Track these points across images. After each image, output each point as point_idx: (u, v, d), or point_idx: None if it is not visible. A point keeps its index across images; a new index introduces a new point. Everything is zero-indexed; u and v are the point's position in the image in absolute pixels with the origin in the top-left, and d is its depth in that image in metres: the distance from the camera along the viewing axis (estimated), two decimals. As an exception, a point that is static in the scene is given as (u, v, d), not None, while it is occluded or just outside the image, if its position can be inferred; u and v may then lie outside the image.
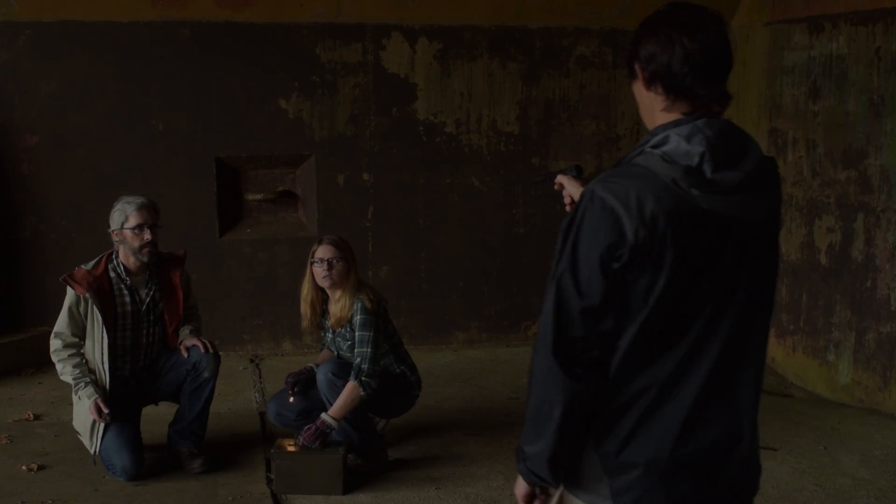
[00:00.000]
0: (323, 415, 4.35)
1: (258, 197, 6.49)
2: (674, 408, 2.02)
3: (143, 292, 4.55)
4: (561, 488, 2.14)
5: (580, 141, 6.69)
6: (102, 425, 4.36)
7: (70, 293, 4.42)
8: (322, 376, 4.43)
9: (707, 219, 1.95)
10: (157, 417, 4.81)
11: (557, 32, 6.58)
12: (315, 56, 6.35)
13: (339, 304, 4.47)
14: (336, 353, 4.65)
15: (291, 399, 4.57)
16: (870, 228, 5.39)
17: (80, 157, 6.17)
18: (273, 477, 4.36)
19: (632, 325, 1.97)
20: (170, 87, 6.22)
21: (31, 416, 5.24)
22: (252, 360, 6.40)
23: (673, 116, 2.02)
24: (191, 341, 4.58)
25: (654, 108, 2.05)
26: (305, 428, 4.35)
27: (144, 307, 4.55)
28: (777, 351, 6.29)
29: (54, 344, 4.45)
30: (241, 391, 5.75)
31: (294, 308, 6.48)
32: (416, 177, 6.53)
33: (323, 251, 4.49)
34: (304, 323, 4.68)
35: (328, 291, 4.55)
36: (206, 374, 4.53)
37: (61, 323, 4.45)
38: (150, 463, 4.50)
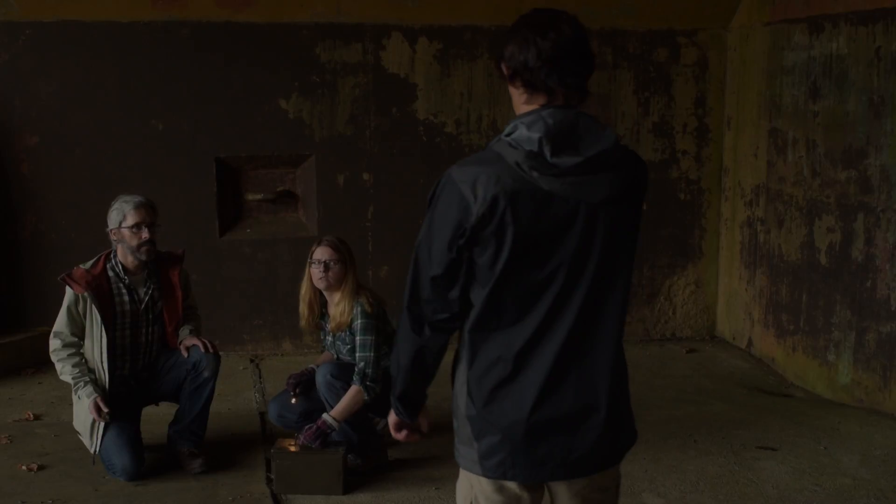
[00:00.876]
0: (324, 415, 4.36)
1: (258, 197, 6.49)
2: (529, 376, 2.23)
3: (141, 291, 4.55)
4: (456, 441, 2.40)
5: (580, 141, 6.68)
6: (102, 425, 4.36)
7: (69, 293, 4.42)
8: (321, 378, 4.43)
9: (548, 198, 2.17)
10: (157, 417, 4.81)
11: (557, 32, 6.57)
12: (315, 56, 6.35)
13: (338, 308, 4.46)
14: (336, 355, 4.65)
15: (294, 401, 4.57)
16: (870, 228, 5.39)
17: (80, 157, 6.17)
18: (273, 477, 4.36)
19: (482, 294, 2.23)
20: (170, 87, 6.22)
21: (31, 416, 5.24)
22: (252, 360, 6.40)
23: (531, 108, 2.26)
24: (191, 341, 4.58)
25: (518, 101, 2.30)
26: (306, 427, 4.36)
27: (143, 306, 4.55)
28: (777, 351, 6.29)
29: (53, 344, 4.45)
30: (241, 391, 5.75)
31: (294, 308, 6.48)
32: (416, 177, 6.53)
33: (321, 252, 4.48)
34: (303, 322, 4.68)
35: (325, 294, 4.55)
36: (206, 374, 4.53)
37: (60, 322, 4.45)
38: (150, 463, 4.50)
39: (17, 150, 6.12)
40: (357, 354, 4.40)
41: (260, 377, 6.05)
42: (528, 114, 2.23)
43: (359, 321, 4.40)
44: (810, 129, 5.84)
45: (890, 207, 5.25)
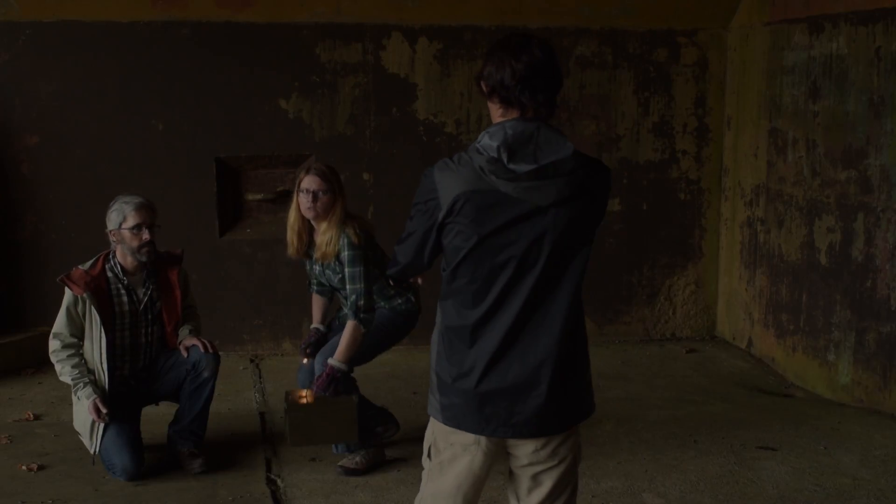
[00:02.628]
0: (330, 360, 4.29)
1: (258, 197, 6.49)
2: (482, 348, 2.61)
3: (140, 292, 4.55)
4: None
5: (580, 141, 6.68)
6: (102, 425, 4.36)
7: (68, 293, 4.42)
8: (319, 368, 4.39)
9: (504, 199, 2.52)
10: (157, 417, 4.82)
11: (557, 32, 6.58)
12: (315, 56, 6.35)
13: (324, 238, 4.37)
14: (327, 284, 4.58)
15: (305, 361, 4.52)
16: (870, 228, 5.39)
17: (80, 157, 6.18)
18: (287, 431, 4.29)
19: (449, 274, 2.64)
20: (170, 87, 6.22)
21: (31, 416, 5.24)
22: (252, 360, 6.40)
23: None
24: (190, 341, 4.59)
25: (495, 115, 2.64)
26: (316, 377, 4.29)
27: (142, 306, 4.55)
28: (777, 351, 6.29)
29: (53, 344, 4.45)
30: (241, 391, 5.75)
31: (294, 308, 6.51)
32: (416, 177, 6.46)
33: (309, 181, 4.36)
34: (291, 251, 4.55)
35: (313, 223, 4.44)
36: (205, 374, 4.53)
37: (59, 323, 4.45)
38: (150, 463, 4.51)
39: (17, 150, 6.12)
40: (348, 287, 4.34)
41: (260, 377, 6.05)
42: (495, 125, 2.58)
43: (346, 252, 4.33)
44: (810, 129, 5.84)
45: (890, 207, 5.25)
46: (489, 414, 2.63)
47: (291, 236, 4.51)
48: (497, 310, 2.60)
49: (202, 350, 4.54)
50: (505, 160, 2.50)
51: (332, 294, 4.72)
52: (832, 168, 5.66)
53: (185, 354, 4.56)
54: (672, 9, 6.63)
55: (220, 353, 4.69)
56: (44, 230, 6.21)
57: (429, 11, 6.35)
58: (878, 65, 5.29)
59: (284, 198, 6.52)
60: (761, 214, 6.41)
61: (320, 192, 4.34)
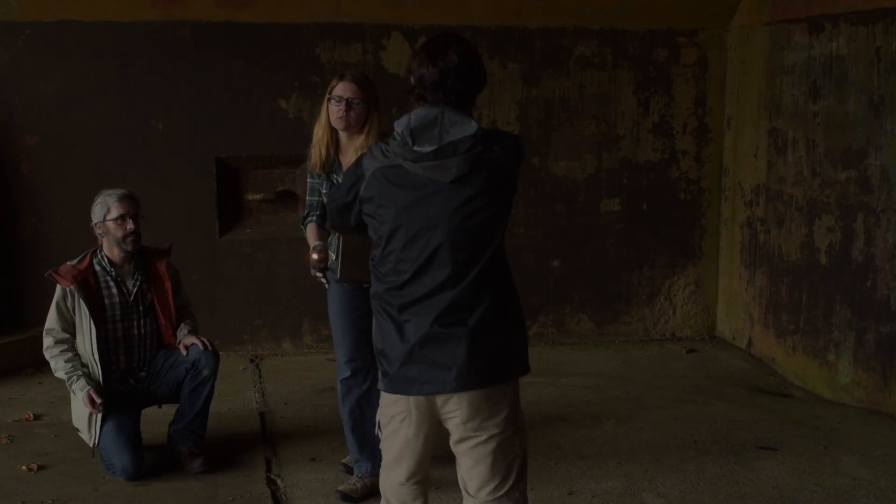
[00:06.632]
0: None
1: (258, 197, 6.49)
2: (406, 319, 2.82)
3: (129, 283, 4.57)
4: None
5: (580, 141, 6.69)
6: (99, 417, 4.37)
7: (58, 289, 4.46)
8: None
9: (411, 177, 2.80)
10: (157, 417, 4.82)
11: (557, 32, 6.58)
12: (315, 56, 6.35)
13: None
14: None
15: (315, 256, 4.08)
16: (870, 228, 5.39)
17: (80, 157, 6.17)
18: (340, 260, 3.83)
19: (376, 245, 2.90)
20: (170, 87, 6.22)
21: (31, 416, 5.25)
22: (252, 360, 6.40)
23: None
24: (189, 340, 4.59)
25: (417, 105, 2.90)
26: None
27: (132, 298, 4.56)
28: (777, 351, 6.29)
29: (46, 341, 4.48)
30: (241, 391, 5.75)
31: (294, 308, 6.51)
32: (416, 177, 6.51)
33: (343, 88, 4.01)
34: (312, 164, 4.18)
35: (342, 135, 4.08)
36: (205, 373, 4.54)
37: (51, 319, 4.48)
38: (150, 463, 4.51)
39: (17, 150, 6.12)
40: None
41: (260, 377, 6.05)
42: (406, 114, 2.84)
43: None
44: (810, 129, 5.84)
45: (890, 207, 5.25)
46: (413, 376, 2.82)
47: (316, 153, 4.12)
48: (418, 277, 2.81)
49: (201, 348, 4.54)
50: (410, 143, 2.78)
51: None
52: (832, 168, 5.66)
53: (184, 353, 4.57)
54: (672, 9, 6.63)
55: (220, 353, 4.69)
56: (44, 230, 6.21)
57: (429, 11, 6.35)
58: (877, 65, 5.29)
59: (284, 198, 6.53)
60: (761, 214, 6.41)
61: (354, 101, 4.00)
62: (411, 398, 2.87)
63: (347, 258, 3.86)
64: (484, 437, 2.87)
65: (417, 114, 2.83)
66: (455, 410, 2.85)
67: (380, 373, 2.93)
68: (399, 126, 2.83)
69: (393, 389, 2.89)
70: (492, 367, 2.84)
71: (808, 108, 5.86)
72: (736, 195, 6.74)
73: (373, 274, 2.93)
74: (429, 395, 2.84)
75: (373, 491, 4.32)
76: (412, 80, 2.89)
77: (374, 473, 4.30)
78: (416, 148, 2.78)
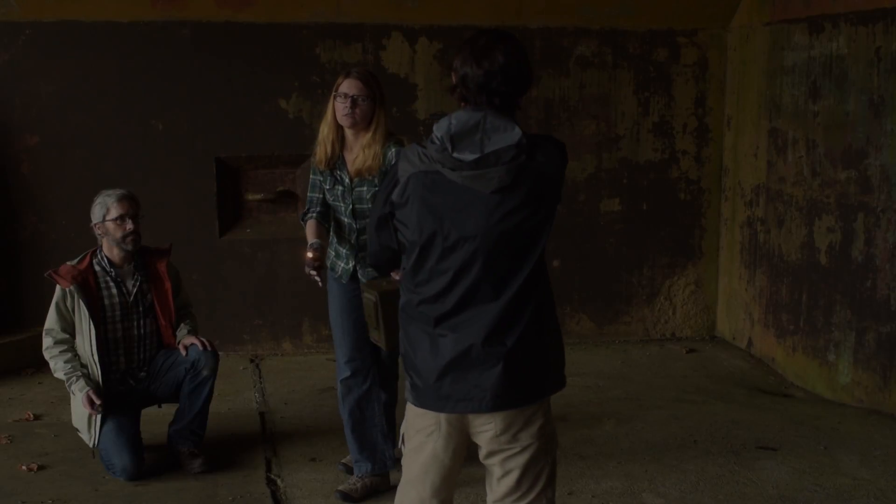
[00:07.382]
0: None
1: (258, 197, 6.49)
2: (439, 331, 2.70)
3: (129, 283, 4.57)
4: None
5: (580, 141, 6.68)
6: (99, 417, 4.37)
7: (57, 290, 4.47)
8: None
9: (450, 185, 2.64)
10: (157, 417, 4.82)
11: (557, 32, 6.58)
12: (315, 56, 6.35)
13: (368, 153, 4.02)
14: (352, 205, 4.13)
15: (310, 255, 4.06)
16: (870, 228, 5.39)
17: (80, 157, 6.17)
18: (383, 331, 3.58)
19: (407, 255, 2.76)
20: (170, 87, 6.22)
21: (31, 416, 5.25)
22: (252, 360, 6.40)
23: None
24: (189, 340, 4.60)
25: (458, 105, 2.76)
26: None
27: (132, 298, 4.56)
28: (777, 351, 6.29)
29: (45, 341, 4.49)
30: (241, 391, 5.75)
31: (294, 308, 6.51)
32: (416, 177, 6.51)
33: (348, 86, 4.02)
34: (316, 161, 4.19)
35: (348, 133, 4.09)
36: (205, 373, 4.54)
37: (51, 320, 4.48)
38: (150, 463, 4.51)
39: (17, 150, 6.12)
40: None
41: (260, 377, 6.05)
42: (445, 116, 2.69)
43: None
44: (810, 129, 5.84)
45: (890, 207, 5.25)
46: (447, 393, 2.72)
47: (321, 151, 4.14)
48: (450, 290, 2.69)
49: (201, 348, 4.54)
50: (450, 150, 2.62)
51: (330, 224, 4.28)
52: (832, 168, 5.66)
53: (183, 353, 4.57)
54: (672, 9, 6.63)
55: (220, 353, 4.70)
56: (44, 230, 6.21)
57: (429, 11, 6.35)
58: (877, 65, 5.29)
59: (284, 198, 6.53)
60: (761, 214, 6.41)
61: (360, 98, 4.01)
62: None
63: (389, 324, 3.53)
64: (517, 448, 2.78)
65: (458, 117, 2.66)
66: (489, 424, 2.75)
67: (407, 384, 2.80)
68: (439, 130, 2.66)
69: (424, 405, 2.76)
70: (529, 387, 2.75)
71: (808, 108, 5.86)
72: (736, 195, 6.74)
73: (403, 285, 2.79)
74: (463, 412, 2.73)
75: (373, 491, 4.33)
76: (454, 78, 2.73)
77: (374, 473, 4.34)
78: (455, 155, 2.62)
